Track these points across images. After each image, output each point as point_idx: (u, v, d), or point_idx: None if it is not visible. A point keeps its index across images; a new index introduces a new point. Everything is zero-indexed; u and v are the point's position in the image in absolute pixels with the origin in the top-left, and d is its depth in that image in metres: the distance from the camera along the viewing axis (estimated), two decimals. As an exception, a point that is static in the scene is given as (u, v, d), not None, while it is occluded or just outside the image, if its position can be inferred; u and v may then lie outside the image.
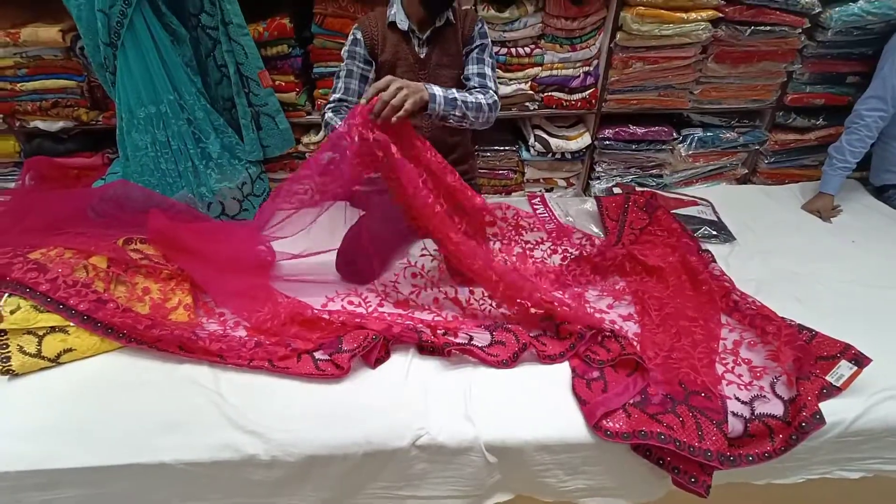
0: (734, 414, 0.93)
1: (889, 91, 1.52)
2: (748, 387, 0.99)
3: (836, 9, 1.54)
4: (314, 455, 0.89)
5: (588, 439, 0.91)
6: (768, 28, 1.57)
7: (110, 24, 1.26)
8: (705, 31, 1.56)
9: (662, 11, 1.53)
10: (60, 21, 1.50)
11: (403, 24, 1.24)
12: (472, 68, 1.30)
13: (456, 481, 0.94)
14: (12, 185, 1.66)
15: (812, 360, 1.01)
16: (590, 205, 1.62)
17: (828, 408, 0.92)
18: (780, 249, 1.44)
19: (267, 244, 1.29)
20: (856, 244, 1.48)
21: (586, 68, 1.67)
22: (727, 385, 0.99)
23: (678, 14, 1.54)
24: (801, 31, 1.59)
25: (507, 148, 1.79)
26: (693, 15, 1.54)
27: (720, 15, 1.55)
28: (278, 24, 1.52)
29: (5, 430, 0.90)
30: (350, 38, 1.29)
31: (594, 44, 1.64)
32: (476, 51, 1.30)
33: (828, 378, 0.97)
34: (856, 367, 0.96)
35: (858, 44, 1.64)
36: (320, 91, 1.66)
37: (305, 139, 1.71)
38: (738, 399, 0.96)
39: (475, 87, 1.27)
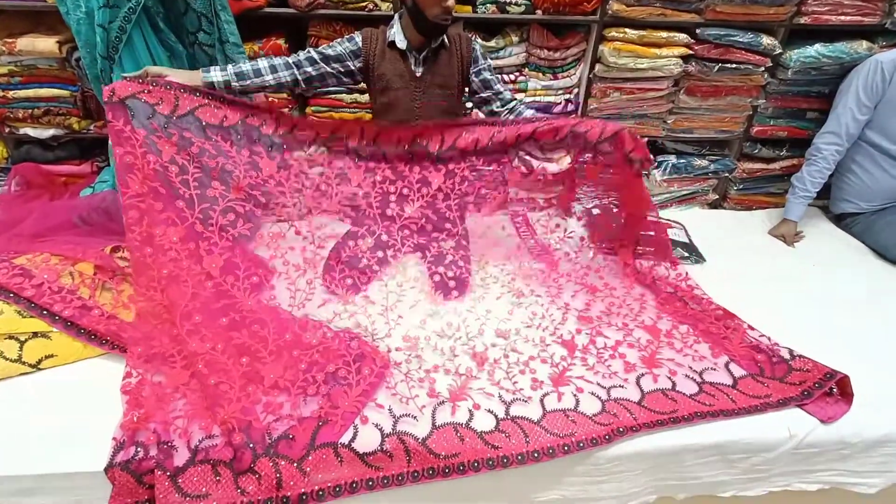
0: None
1: (843, 128, 1.64)
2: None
3: (796, 50, 1.67)
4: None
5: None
6: (734, 66, 1.69)
7: (109, 39, 1.29)
8: (677, 66, 1.67)
9: (637, 47, 1.64)
10: (58, 32, 1.53)
11: (402, 43, 1.31)
12: (492, 88, 1.39)
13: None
14: (-2, 190, 1.66)
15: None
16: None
17: (782, 421, 0.99)
18: (746, 271, 1.52)
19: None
20: (816, 267, 1.58)
21: (567, 96, 1.77)
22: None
23: (652, 50, 1.65)
24: (764, 69, 1.71)
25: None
26: (665, 51, 1.65)
27: (690, 52, 1.67)
28: (273, 45, 1.58)
29: (-18, 435, 0.90)
30: (348, 39, 1.32)
31: (575, 73, 1.74)
32: (486, 71, 1.38)
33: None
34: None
35: (816, 83, 1.77)
36: (312, 109, 1.71)
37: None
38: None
39: (506, 107, 1.40)
